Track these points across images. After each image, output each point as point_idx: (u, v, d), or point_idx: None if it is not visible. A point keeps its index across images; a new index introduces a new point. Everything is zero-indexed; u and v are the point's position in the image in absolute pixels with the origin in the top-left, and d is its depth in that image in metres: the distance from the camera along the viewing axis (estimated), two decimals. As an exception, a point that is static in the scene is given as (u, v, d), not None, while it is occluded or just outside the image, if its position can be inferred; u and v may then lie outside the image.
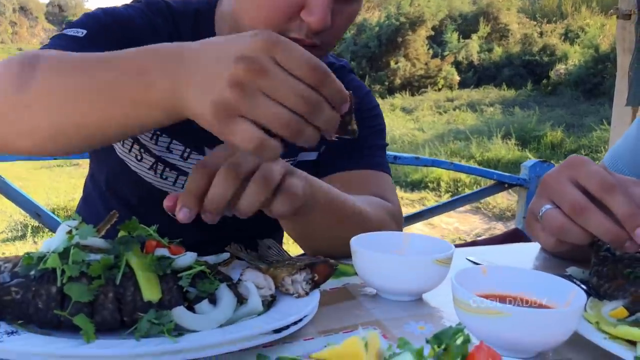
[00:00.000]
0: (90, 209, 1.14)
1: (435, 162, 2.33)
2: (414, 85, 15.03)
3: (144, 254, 0.71)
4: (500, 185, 2.39)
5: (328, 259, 0.79)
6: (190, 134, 0.99)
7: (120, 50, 0.71)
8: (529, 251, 1.17)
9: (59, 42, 0.89)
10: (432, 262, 0.81)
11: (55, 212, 4.39)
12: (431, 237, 0.95)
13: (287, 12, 0.86)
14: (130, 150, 1.05)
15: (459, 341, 0.45)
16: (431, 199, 6.17)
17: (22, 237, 4.72)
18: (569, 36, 16.78)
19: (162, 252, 0.72)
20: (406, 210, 5.95)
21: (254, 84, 0.58)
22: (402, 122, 10.83)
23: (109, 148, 1.07)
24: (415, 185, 6.46)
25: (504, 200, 5.78)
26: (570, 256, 1.04)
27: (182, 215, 0.73)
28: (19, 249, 4.39)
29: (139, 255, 0.69)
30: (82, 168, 8.27)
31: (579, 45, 15.57)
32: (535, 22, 18.02)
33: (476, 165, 7.20)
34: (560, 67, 14.30)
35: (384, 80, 15.09)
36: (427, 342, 0.46)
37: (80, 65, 0.72)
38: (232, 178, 0.72)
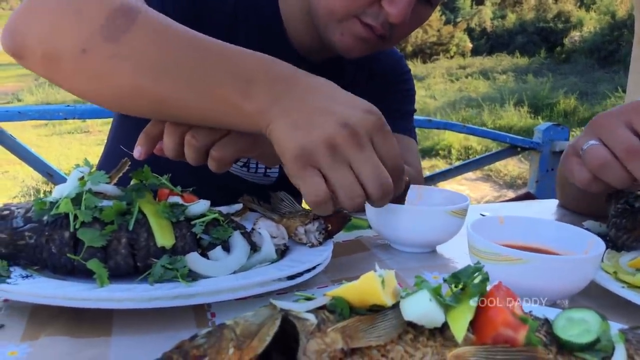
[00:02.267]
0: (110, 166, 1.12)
1: (448, 125, 2.30)
2: (425, 53, 14.86)
3: (156, 201, 0.71)
4: (513, 149, 2.37)
5: (341, 209, 0.78)
6: None
7: (233, 45, 0.67)
8: (546, 208, 1.16)
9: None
10: (446, 213, 0.80)
11: (67, 174, 4.42)
12: (446, 189, 0.93)
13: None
14: None
15: (477, 280, 0.45)
16: (442, 167, 6.14)
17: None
18: (584, 2, 16.47)
19: (175, 199, 0.71)
20: (417, 177, 5.95)
21: (346, 152, 0.59)
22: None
23: None
24: (427, 152, 6.43)
25: (515, 168, 5.74)
26: (589, 209, 1.03)
27: (137, 153, 0.72)
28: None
29: (151, 202, 0.69)
30: (92, 135, 8.30)
31: (594, 11, 15.28)
32: (550, -12, 17.68)
33: (488, 133, 7.18)
34: (575, 34, 14.06)
35: (395, 47, 14.93)
36: (445, 281, 0.45)
37: (186, 43, 0.66)
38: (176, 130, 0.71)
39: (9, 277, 0.60)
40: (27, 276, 0.62)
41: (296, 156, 0.59)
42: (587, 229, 0.85)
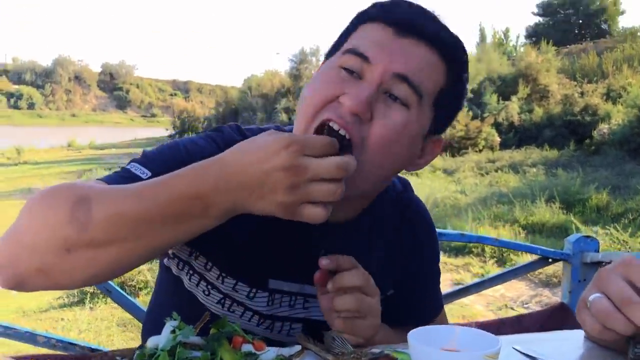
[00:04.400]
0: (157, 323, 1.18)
1: (481, 239, 2.41)
2: (454, 147, 15.13)
3: (232, 348, 0.84)
4: (544, 260, 2.44)
5: (389, 353, 0.89)
6: (254, 274, 1.05)
7: (167, 175, 0.81)
8: (574, 339, 1.23)
9: (119, 180, 0.90)
10: (482, 358, 0.90)
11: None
12: (480, 331, 1.03)
13: (327, 97, 0.91)
14: (197, 285, 1.07)
15: None
16: (476, 265, 6.15)
17: (80, 302, 4.92)
18: (611, 96, 16.74)
19: (248, 347, 0.84)
20: (451, 277, 5.95)
21: (302, 180, 0.77)
22: (444, 184, 10.89)
23: (177, 280, 1.09)
24: (460, 251, 6.46)
25: (550, 266, 5.71)
26: (613, 346, 1.11)
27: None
28: (77, 315, 4.57)
29: (229, 351, 0.82)
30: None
31: (621, 104, 15.48)
32: (575, 83, 18.07)
33: (520, 230, 7.18)
34: (604, 127, 14.21)
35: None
36: None
37: (136, 195, 0.79)
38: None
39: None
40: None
41: (282, 211, 0.79)
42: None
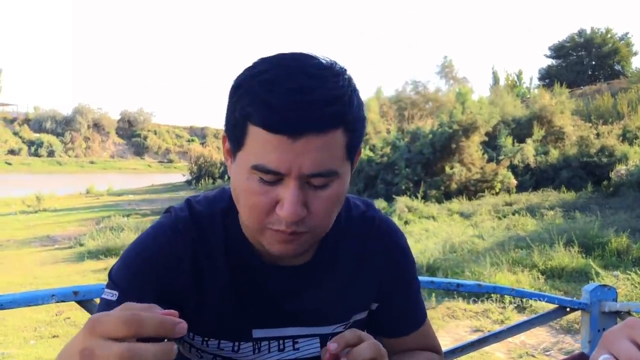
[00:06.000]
0: None
1: (497, 289, 2.42)
2: (470, 190, 15.11)
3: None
4: (562, 309, 2.44)
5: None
6: (235, 329, 1.10)
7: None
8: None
9: (99, 311, 0.96)
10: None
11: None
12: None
13: (265, 210, 0.93)
14: (190, 351, 1.16)
15: None
16: (495, 311, 6.07)
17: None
18: (627, 136, 16.70)
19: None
20: (470, 323, 5.88)
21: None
22: (461, 227, 10.83)
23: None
24: (479, 297, 6.39)
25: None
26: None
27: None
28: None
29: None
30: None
31: (638, 145, 15.44)
32: (590, 124, 18.07)
33: (539, 275, 7.11)
34: (621, 168, 14.13)
35: (440, 185, 15.26)
36: None
37: None
38: None
39: None
40: None
41: None
42: None
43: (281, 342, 1.12)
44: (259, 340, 1.11)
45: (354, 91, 0.94)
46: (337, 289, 1.13)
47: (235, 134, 0.94)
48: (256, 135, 0.90)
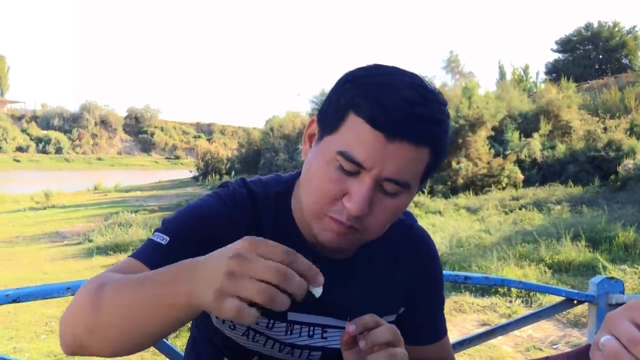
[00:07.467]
0: (197, 354, 1.28)
1: (505, 282, 2.44)
2: (477, 185, 15.09)
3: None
4: (569, 302, 2.46)
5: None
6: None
7: (162, 268, 0.87)
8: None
9: (145, 250, 1.04)
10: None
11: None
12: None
13: (332, 196, 0.99)
14: (223, 322, 1.18)
15: None
16: (502, 305, 6.09)
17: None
18: (634, 130, 16.62)
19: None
20: (477, 317, 5.91)
21: (242, 271, 0.76)
22: (468, 222, 10.84)
23: (206, 317, 1.20)
24: (486, 291, 6.42)
25: (578, 307, 5.64)
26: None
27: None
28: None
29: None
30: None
31: (645, 140, 15.38)
32: (597, 118, 18.00)
33: (546, 269, 7.12)
34: (629, 162, 14.07)
35: (447, 180, 15.24)
36: None
37: (132, 284, 0.87)
38: None
39: None
40: None
41: (214, 300, 0.76)
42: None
43: (311, 328, 1.16)
44: (293, 323, 1.15)
45: (449, 123, 1.02)
46: (371, 287, 1.19)
47: (331, 118, 1.00)
48: (354, 124, 0.96)
